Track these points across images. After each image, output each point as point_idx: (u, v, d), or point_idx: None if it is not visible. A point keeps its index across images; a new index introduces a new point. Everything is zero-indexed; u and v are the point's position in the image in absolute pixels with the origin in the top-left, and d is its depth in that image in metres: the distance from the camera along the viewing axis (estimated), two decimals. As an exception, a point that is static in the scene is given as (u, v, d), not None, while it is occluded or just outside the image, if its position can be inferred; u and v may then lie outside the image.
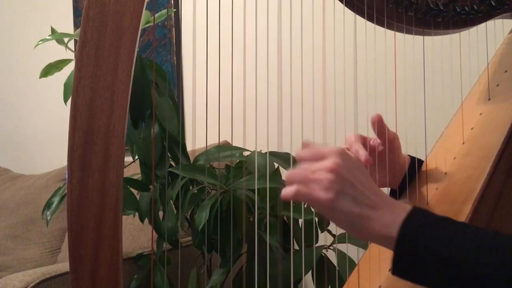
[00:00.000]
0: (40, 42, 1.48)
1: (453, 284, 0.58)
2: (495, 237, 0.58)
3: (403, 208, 0.62)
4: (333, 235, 1.38)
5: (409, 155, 0.96)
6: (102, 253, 0.57)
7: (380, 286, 0.79)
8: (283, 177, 1.34)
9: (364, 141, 0.89)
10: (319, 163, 0.63)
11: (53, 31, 1.47)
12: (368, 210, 0.61)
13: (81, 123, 0.57)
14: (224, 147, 1.54)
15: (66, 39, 1.44)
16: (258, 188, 1.21)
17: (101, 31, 0.57)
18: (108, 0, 0.56)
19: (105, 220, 0.57)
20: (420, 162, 0.95)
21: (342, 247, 1.31)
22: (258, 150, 1.26)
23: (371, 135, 0.92)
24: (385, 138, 0.88)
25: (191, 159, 1.46)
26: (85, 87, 0.56)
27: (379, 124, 0.87)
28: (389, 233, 0.60)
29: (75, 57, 0.59)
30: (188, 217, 1.46)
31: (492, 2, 0.92)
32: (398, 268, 0.60)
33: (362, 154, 0.86)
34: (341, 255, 1.25)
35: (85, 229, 0.57)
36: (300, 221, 1.33)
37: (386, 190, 0.96)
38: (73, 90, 0.56)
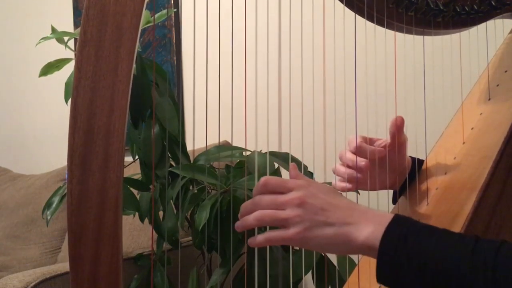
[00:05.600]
0: (41, 40, 1.48)
1: None
2: (476, 244, 0.57)
3: (383, 217, 0.62)
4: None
5: (409, 156, 0.96)
6: (102, 253, 0.57)
7: (380, 286, 0.79)
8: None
9: (369, 142, 0.89)
10: (285, 196, 0.63)
11: (53, 29, 1.47)
12: (344, 227, 0.62)
13: (81, 123, 0.56)
14: (224, 147, 1.54)
15: (66, 38, 1.44)
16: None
17: (101, 31, 0.56)
18: (108, 0, 0.56)
19: (105, 220, 0.57)
20: (420, 161, 0.95)
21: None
22: (258, 150, 1.26)
23: (371, 136, 0.91)
24: (396, 142, 0.88)
25: (191, 159, 1.46)
26: (85, 87, 0.56)
27: (399, 127, 0.87)
28: (372, 244, 0.61)
29: (75, 57, 0.59)
30: (188, 217, 1.46)
31: (492, 2, 0.92)
32: (381, 277, 0.61)
33: (360, 161, 0.86)
34: (341, 255, 1.25)
35: (85, 229, 0.57)
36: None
37: (385, 193, 0.96)
38: (73, 90, 0.56)
